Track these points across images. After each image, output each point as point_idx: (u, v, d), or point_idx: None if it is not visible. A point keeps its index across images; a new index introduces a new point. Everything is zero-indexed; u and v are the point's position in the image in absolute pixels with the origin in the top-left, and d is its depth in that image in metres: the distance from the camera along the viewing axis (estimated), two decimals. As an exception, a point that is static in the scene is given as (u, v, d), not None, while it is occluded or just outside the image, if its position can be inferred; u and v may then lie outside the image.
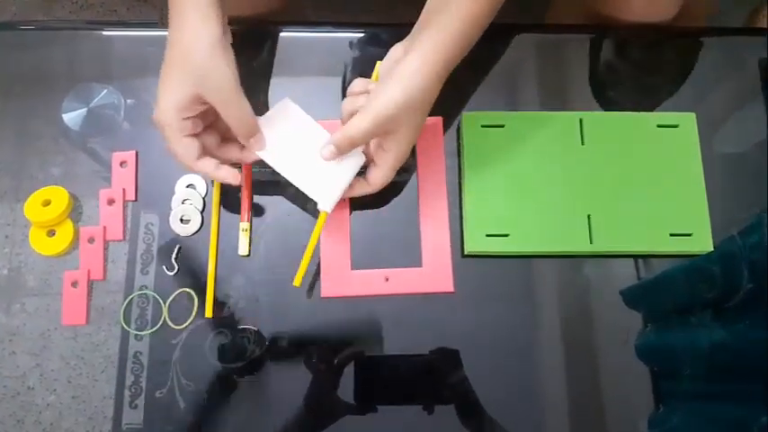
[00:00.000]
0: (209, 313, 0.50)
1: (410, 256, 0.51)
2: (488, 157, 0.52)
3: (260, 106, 0.51)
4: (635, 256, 0.52)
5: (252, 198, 0.52)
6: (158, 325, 0.50)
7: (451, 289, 0.50)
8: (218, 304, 0.50)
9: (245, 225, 0.51)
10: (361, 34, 0.58)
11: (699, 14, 0.68)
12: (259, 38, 0.57)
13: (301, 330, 0.50)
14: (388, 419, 0.48)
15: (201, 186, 0.53)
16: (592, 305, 0.51)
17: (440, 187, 0.52)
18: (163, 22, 0.54)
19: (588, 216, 0.51)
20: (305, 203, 0.52)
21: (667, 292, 0.51)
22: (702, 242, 0.50)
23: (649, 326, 0.50)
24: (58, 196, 0.51)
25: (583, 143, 0.53)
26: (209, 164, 0.46)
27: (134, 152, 0.54)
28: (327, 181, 0.47)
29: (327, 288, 0.50)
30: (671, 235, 0.50)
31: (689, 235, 0.50)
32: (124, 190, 0.53)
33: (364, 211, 0.52)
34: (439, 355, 0.49)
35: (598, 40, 0.58)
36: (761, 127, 0.55)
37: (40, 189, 0.52)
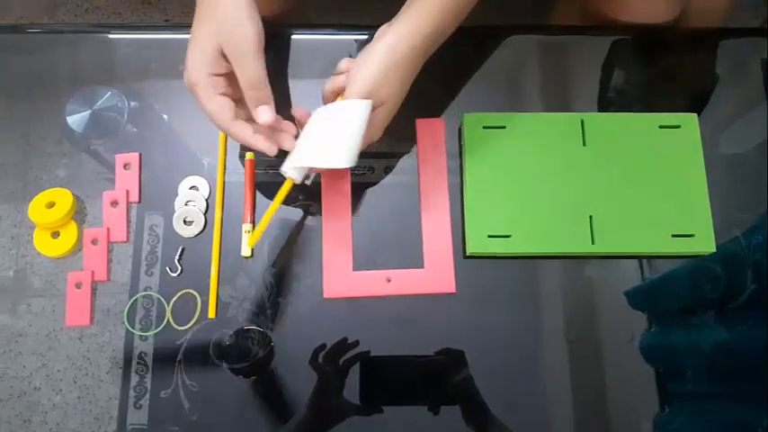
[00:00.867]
0: (212, 314, 0.50)
1: (412, 257, 0.51)
2: (490, 158, 0.52)
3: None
4: (637, 257, 0.52)
5: (255, 199, 0.52)
6: (162, 326, 0.50)
7: (453, 290, 0.50)
8: (222, 305, 0.50)
9: (247, 226, 0.51)
10: (365, 36, 0.58)
11: (713, 13, 0.67)
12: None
13: (304, 331, 0.50)
14: (392, 420, 0.48)
15: (204, 188, 0.53)
16: (593, 306, 0.51)
17: (441, 188, 0.53)
18: (168, 25, 0.54)
19: (590, 217, 0.51)
20: (309, 204, 0.52)
21: (671, 292, 0.51)
22: (705, 243, 0.50)
23: (653, 326, 0.50)
24: (63, 198, 0.52)
25: (584, 144, 0.53)
26: (246, 128, 0.45)
27: (137, 154, 0.54)
28: (339, 141, 0.44)
29: (329, 289, 0.50)
30: (673, 236, 0.50)
31: (691, 236, 0.50)
32: (128, 192, 0.53)
33: (366, 212, 0.53)
34: (443, 356, 0.49)
35: (600, 41, 0.58)
36: (763, 128, 0.55)
37: (45, 191, 0.52)
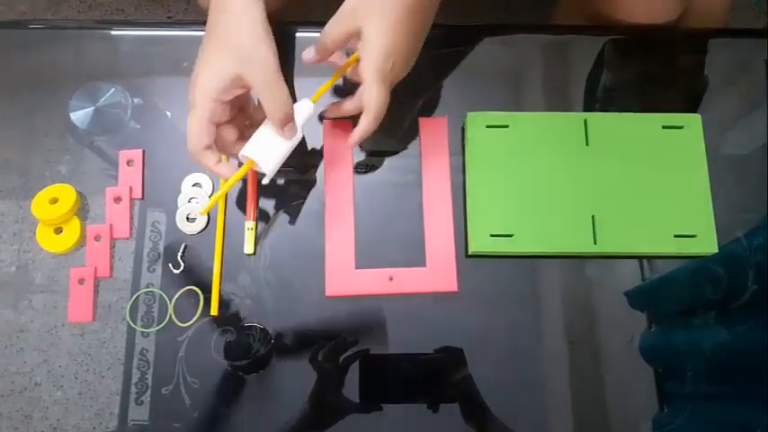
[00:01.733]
0: (214, 311, 0.50)
1: (414, 255, 0.51)
2: (493, 157, 0.52)
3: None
4: (639, 258, 0.52)
5: (257, 197, 0.52)
6: (164, 322, 0.50)
7: (455, 289, 0.50)
8: (224, 302, 0.50)
9: (250, 224, 0.51)
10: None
11: (714, 13, 0.67)
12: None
13: (306, 329, 0.50)
14: (392, 418, 0.48)
15: (207, 185, 0.53)
16: (596, 306, 0.51)
17: (444, 187, 0.53)
18: (172, 21, 0.54)
19: (592, 217, 0.51)
20: (312, 201, 0.53)
21: (672, 293, 0.51)
22: (707, 244, 0.50)
23: (654, 327, 0.50)
24: (66, 194, 0.52)
25: (587, 144, 0.52)
26: (212, 157, 0.45)
27: (141, 151, 0.54)
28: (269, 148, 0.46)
29: (332, 287, 0.50)
30: (675, 236, 0.50)
31: (693, 236, 0.50)
32: (131, 188, 0.53)
33: (369, 210, 0.53)
34: (443, 355, 0.49)
35: (603, 40, 0.58)
36: (766, 129, 0.55)
37: (48, 187, 0.52)
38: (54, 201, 0.52)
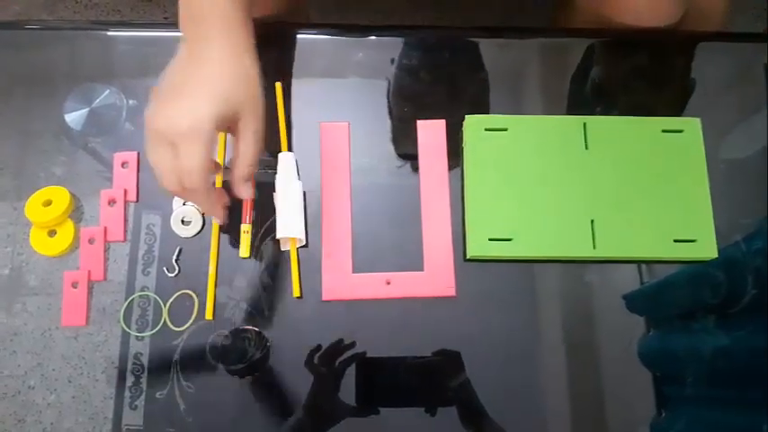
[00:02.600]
0: (209, 315, 0.49)
1: (412, 259, 0.51)
2: (491, 160, 0.52)
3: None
4: (638, 262, 0.51)
5: (254, 200, 0.52)
6: (159, 326, 0.49)
7: (453, 293, 0.50)
8: (219, 306, 0.50)
9: (245, 227, 0.51)
10: (365, 37, 0.58)
11: (711, 16, 0.67)
12: (262, 40, 0.57)
13: (302, 333, 0.49)
14: (388, 422, 0.48)
15: (203, 188, 0.53)
16: (594, 310, 0.51)
17: (442, 191, 0.52)
18: (168, 22, 0.54)
19: (592, 221, 0.50)
20: (309, 205, 0.52)
21: (671, 297, 0.51)
22: (707, 248, 0.50)
23: (652, 331, 0.50)
24: (59, 196, 0.51)
25: (587, 147, 0.52)
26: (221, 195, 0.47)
27: (136, 153, 0.53)
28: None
29: (328, 291, 0.50)
30: (675, 241, 0.50)
31: (693, 241, 0.50)
32: (125, 191, 0.53)
33: (366, 213, 0.52)
34: (441, 359, 0.49)
35: (602, 43, 0.58)
36: (765, 133, 0.55)
37: (42, 189, 0.52)
38: (48, 203, 0.51)
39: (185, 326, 0.49)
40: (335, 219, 0.51)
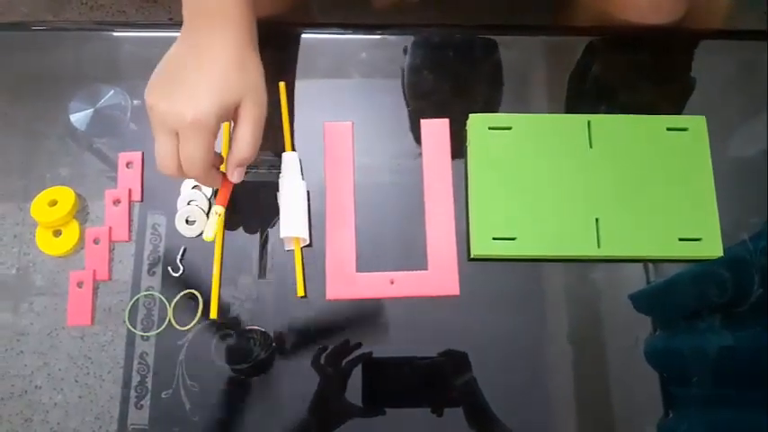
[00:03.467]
0: (214, 314, 0.50)
1: (416, 258, 0.51)
2: (495, 159, 0.52)
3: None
4: (644, 261, 0.51)
5: (234, 187, 0.49)
6: (164, 326, 0.50)
7: (457, 292, 0.50)
8: (224, 305, 0.50)
9: (218, 209, 0.47)
10: (369, 36, 0.58)
11: (713, 13, 0.67)
12: (266, 39, 0.57)
13: (307, 332, 0.50)
14: (394, 422, 0.48)
15: (207, 188, 0.53)
16: (599, 309, 0.51)
17: (446, 189, 0.52)
18: (173, 23, 0.54)
19: (596, 220, 0.50)
20: (313, 204, 0.52)
21: (677, 296, 0.51)
22: (712, 247, 0.50)
23: (659, 331, 0.50)
24: (65, 196, 0.52)
25: (591, 146, 0.52)
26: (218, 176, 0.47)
27: (140, 153, 0.54)
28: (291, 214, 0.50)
29: (332, 290, 0.50)
30: (680, 239, 0.50)
31: (698, 239, 0.50)
32: (130, 190, 0.53)
33: (370, 213, 0.52)
34: (446, 358, 0.49)
35: (607, 42, 0.58)
36: (771, 131, 0.55)
37: (47, 189, 0.52)
38: (53, 203, 0.52)
39: (190, 325, 0.50)
40: (339, 218, 0.51)
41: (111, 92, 0.55)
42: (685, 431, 0.48)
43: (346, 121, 0.54)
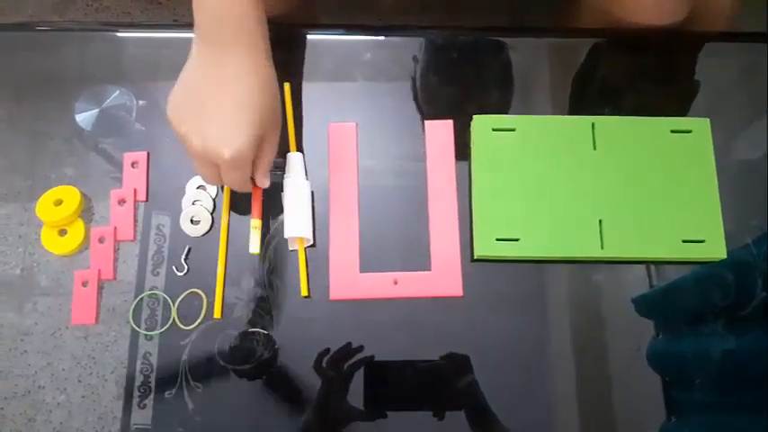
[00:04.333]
0: (218, 314, 0.50)
1: (419, 259, 0.51)
2: (499, 160, 0.52)
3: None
4: (647, 263, 0.51)
5: (263, 199, 0.52)
6: (168, 325, 0.50)
7: (460, 293, 0.50)
8: (228, 305, 0.50)
9: (255, 222, 0.50)
10: (373, 38, 0.58)
11: (719, 16, 0.67)
12: (271, 41, 0.57)
13: (310, 333, 0.50)
14: (396, 425, 0.48)
15: (212, 187, 0.53)
16: (602, 311, 0.51)
17: (449, 190, 0.52)
18: (177, 24, 0.54)
19: (600, 221, 0.50)
20: (316, 205, 0.52)
21: (680, 300, 0.51)
22: (715, 249, 0.50)
23: (661, 334, 0.50)
24: (70, 196, 0.52)
25: (595, 148, 0.52)
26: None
27: (145, 153, 0.54)
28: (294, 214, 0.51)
29: (336, 291, 0.50)
30: (683, 241, 0.50)
31: (702, 242, 0.50)
32: (135, 190, 0.53)
33: (373, 213, 0.52)
34: (449, 361, 0.49)
35: (610, 43, 0.58)
36: (775, 133, 0.55)
37: (52, 189, 0.52)
38: (58, 202, 0.52)
39: (194, 325, 0.50)
40: (343, 218, 0.51)
41: (117, 92, 0.55)
42: (688, 434, 0.48)
43: (350, 122, 0.54)
